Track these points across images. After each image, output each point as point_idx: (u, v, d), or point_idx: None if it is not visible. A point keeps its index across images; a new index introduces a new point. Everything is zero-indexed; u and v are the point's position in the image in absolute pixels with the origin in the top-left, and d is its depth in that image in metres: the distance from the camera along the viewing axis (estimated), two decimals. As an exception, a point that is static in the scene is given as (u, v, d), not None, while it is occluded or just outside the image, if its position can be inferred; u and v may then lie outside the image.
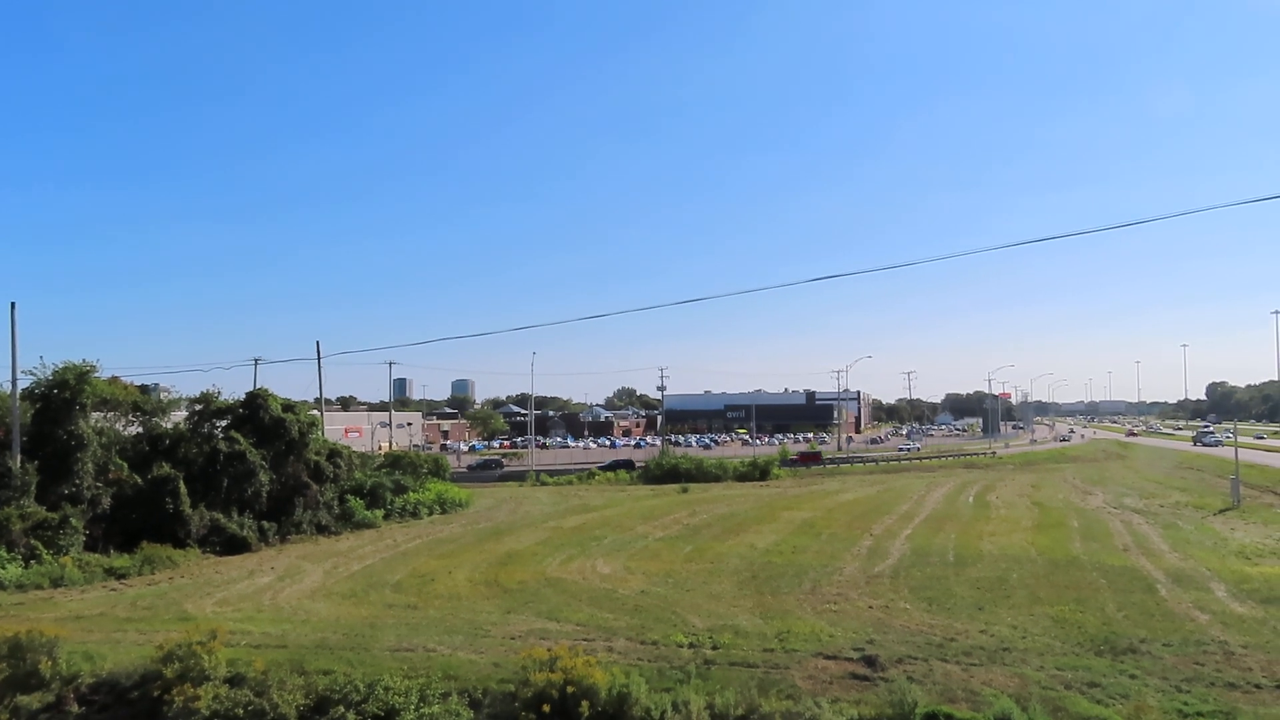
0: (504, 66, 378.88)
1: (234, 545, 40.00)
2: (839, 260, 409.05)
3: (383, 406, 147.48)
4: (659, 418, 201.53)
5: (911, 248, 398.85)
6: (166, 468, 40.25)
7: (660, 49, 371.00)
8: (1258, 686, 17.95)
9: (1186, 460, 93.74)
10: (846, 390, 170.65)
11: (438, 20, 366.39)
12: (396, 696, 17.84)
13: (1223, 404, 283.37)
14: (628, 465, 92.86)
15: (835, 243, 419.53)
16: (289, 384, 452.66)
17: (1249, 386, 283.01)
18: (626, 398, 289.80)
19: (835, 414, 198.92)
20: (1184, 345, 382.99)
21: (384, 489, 52.01)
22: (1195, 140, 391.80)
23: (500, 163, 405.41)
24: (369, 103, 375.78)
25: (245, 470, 42.38)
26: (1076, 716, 16.47)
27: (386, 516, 49.84)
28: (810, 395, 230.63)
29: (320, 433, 51.67)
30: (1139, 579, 28.88)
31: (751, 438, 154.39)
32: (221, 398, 47.13)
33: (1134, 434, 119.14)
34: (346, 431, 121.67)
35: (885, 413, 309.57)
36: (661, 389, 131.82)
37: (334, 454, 49.08)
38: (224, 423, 46.07)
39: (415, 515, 51.71)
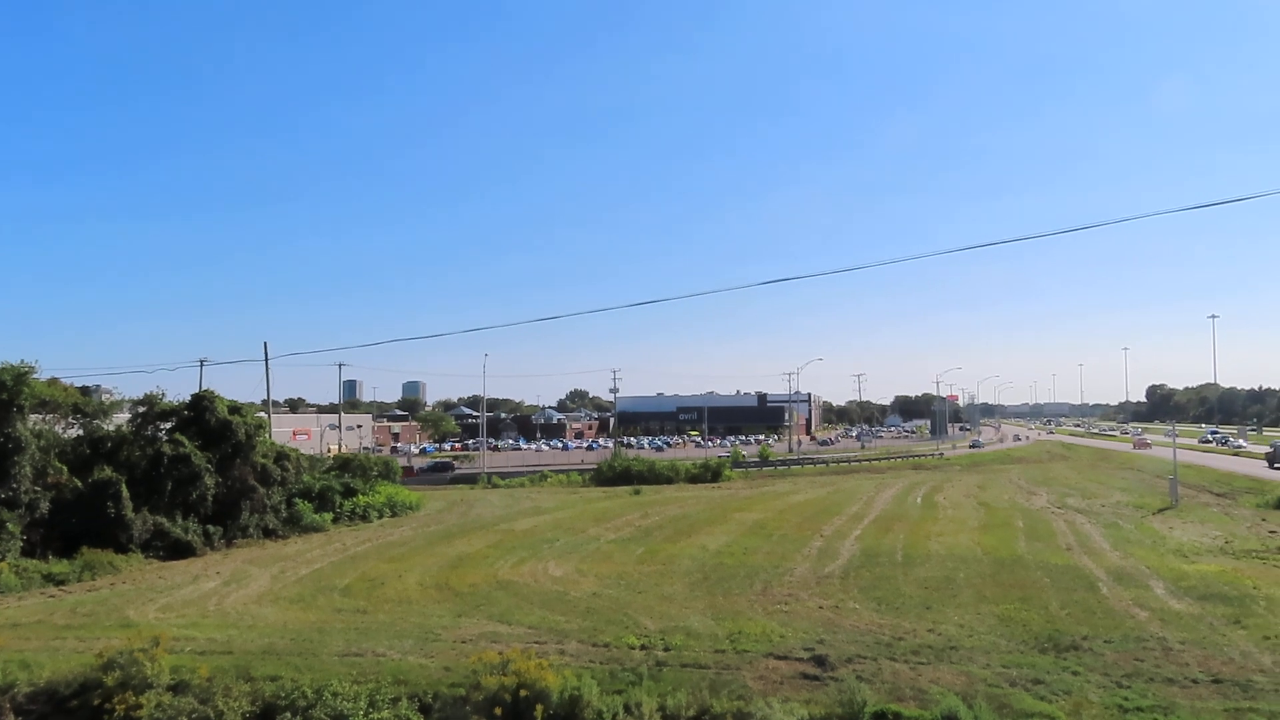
0: (455, 67, 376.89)
1: (178, 550, 39.26)
2: (791, 264, 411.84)
3: (332, 408, 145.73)
4: (611, 419, 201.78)
5: (863, 252, 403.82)
6: (108, 471, 39.35)
7: (613, 52, 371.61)
8: (1194, 681, 18.41)
9: (1127, 461, 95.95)
10: (797, 392, 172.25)
11: (387, 19, 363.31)
12: (345, 702, 17.62)
13: (1162, 406, 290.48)
14: (447, 467, 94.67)
15: (787, 247, 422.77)
16: (236, 386, 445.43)
17: (1187, 389, 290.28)
18: (579, 400, 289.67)
19: (786, 416, 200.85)
20: (1125, 348, 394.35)
21: (333, 492, 51.40)
22: (1137, 148, 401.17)
23: (451, 163, 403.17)
24: (315, 101, 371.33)
25: (190, 473, 41.60)
26: (1020, 713, 16.77)
27: (335, 520, 49.26)
28: (762, 397, 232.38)
29: (268, 435, 50.92)
30: (1081, 577, 29.49)
31: (704, 440, 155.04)
32: (166, 399, 46.24)
33: (1147, 444, 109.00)
34: (295, 434, 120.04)
35: (836, 415, 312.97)
36: (614, 391, 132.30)
37: (282, 457, 48.38)
38: (168, 425, 45.22)
39: (365, 518, 51.19)
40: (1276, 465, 68.85)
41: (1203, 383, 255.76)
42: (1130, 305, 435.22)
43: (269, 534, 44.55)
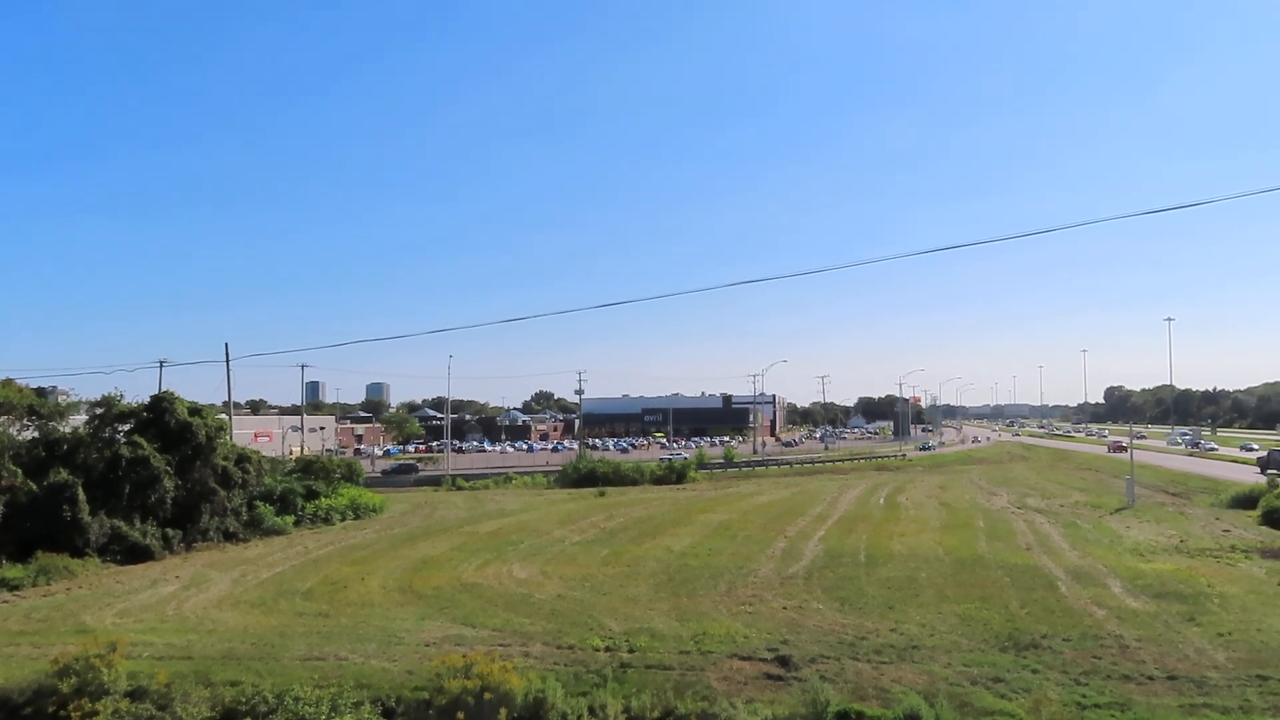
0: (419, 66, 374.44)
1: (136, 554, 38.66)
2: (757, 266, 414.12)
3: (295, 410, 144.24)
4: (577, 421, 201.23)
5: (828, 255, 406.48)
6: (64, 474, 38.65)
7: (578, 52, 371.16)
8: (1150, 678, 18.74)
9: (1085, 462, 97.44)
10: (762, 394, 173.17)
11: (348, 18, 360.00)
12: (307, 707, 17.44)
13: (1120, 407, 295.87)
14: (411, 469, 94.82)
15: (753, 249, 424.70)
16: (196, 388, 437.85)
17: (1144, 390, 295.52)
18: (544, 401, 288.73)
19: (751, 417, 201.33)
20: (1084, 350, 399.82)
21: (295, 494, 50.90)
22: (1095, 154, 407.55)
23: (416, 163, 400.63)
24: (279, 99, 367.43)
25: (149, 476, 40.97)
26: (981, 711, 16.97)
27: (298, 523, 48.79)
28: (727, 399, 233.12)
29: (229, 437, 50.32)
30: (1041, 577, 29.90)
31: (669, 441, 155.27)
32: (124, 401, 45.53)
33: (1123, 448, 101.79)
34: (256, 436, 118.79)
35: (800, 416, 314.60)
36: (579, 393, 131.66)
37: (243, 459, 47.80)
38: (127, 427, 44.50)
39: (327, 521, 50.73)
40: (1270, 471, 65.81)
41: (1159, 384, 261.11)
42: (1089, 308, 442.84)
43: (230, 537, 44.00)
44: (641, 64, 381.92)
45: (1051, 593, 27.33)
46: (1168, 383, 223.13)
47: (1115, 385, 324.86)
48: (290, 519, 48.33)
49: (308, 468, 59.34)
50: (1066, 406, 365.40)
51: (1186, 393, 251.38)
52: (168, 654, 21.70)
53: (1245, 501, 50.00)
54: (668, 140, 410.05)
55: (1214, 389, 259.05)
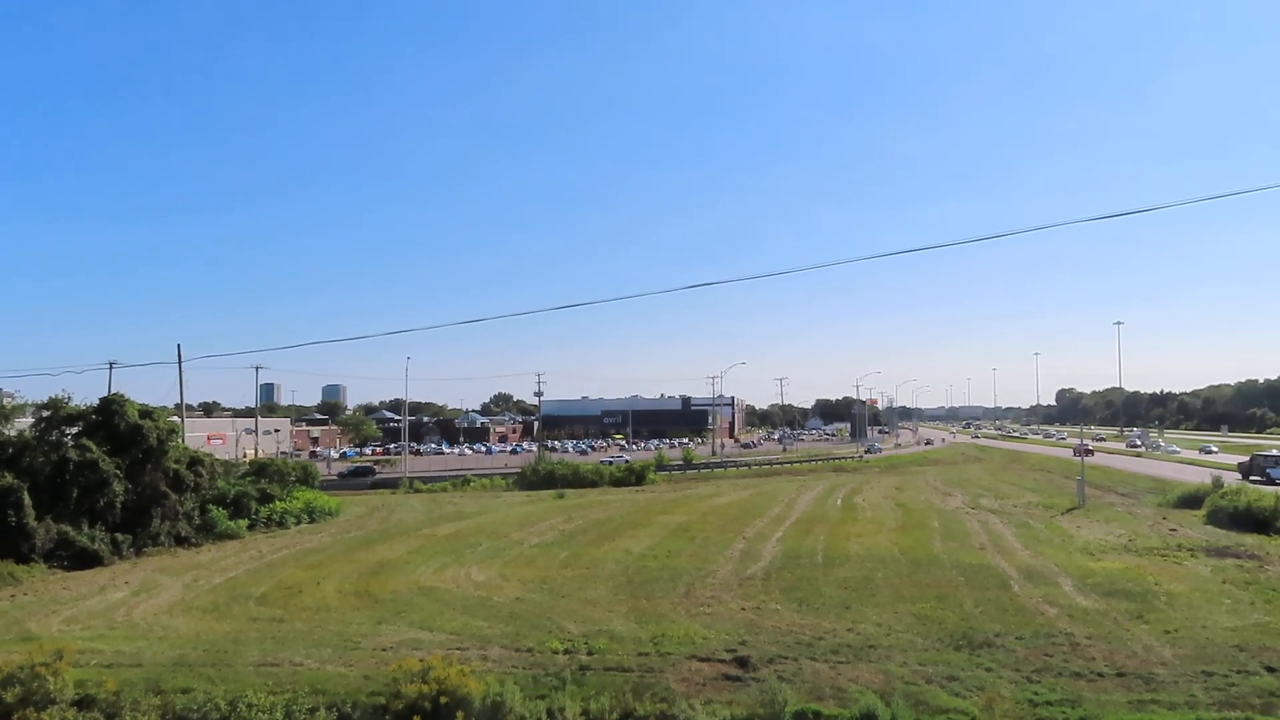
0: (388, 73, 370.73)
1: (84, 559, 37.84)
2: (717, 270, 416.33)
3: (249, 412, 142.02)
4: (536, 423, 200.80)
5: (788, 259, 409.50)
6: (8, 478, 37.75)
7: (546, 61, 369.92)
8: (1100, 675, 19.12)
9: (1037, 463, 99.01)
10: (721, 396, 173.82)
11: (323, 24, 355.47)
12: (260, 713, 17.24)
13: (1071, 409, 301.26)
14: (368, 472, 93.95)
15: (715, 253, 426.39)
16: (148, 390, 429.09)
17: (1094, 392, 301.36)
18: (503, 403, 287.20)
19: (710, 419, 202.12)
20: (1036, 353, 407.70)
21: (249, 498, 50.14)
22: (1048, 161, 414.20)
23: (378, 168, 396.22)
24: (232, 105, 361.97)
25: (97, 480, 40.13)
26: (936, 709, 17.19)
27: (251, 527, 48.08)
28: (686, 401, 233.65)
29: (181, 440, 49.43)
30: (994, 576, 30.36)
31: (628, 443, 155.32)
32: (72, 403, 44.52)
33: (1090, 452, 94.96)
34: (209, 439, 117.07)
35: (759, 418, 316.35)
36: (538, 395, 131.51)
37: (195, 462, 47.01)
38: (75, 430, 43.56)
39: (282, 525, 50.07)
40: (1254, 478, 63.95)
41: (1109, 386, 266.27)
42: (1041, 312, 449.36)
43: (181, 542, 43.23)
44: (616, 75, 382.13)
45: (1005, 592, 27.75)
46: (1117, 385, 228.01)
47: (1067, 387, 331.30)
48: (244, 523, 47.62)
49: (262, 471, 58.48)
50: (1019, 408, 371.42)
51: (1135, 395, 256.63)
52: (117, 661, 21.27)
53: (1191, 501, 51.18)
54: (632, 146, 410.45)
55: (1162, 391, 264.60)
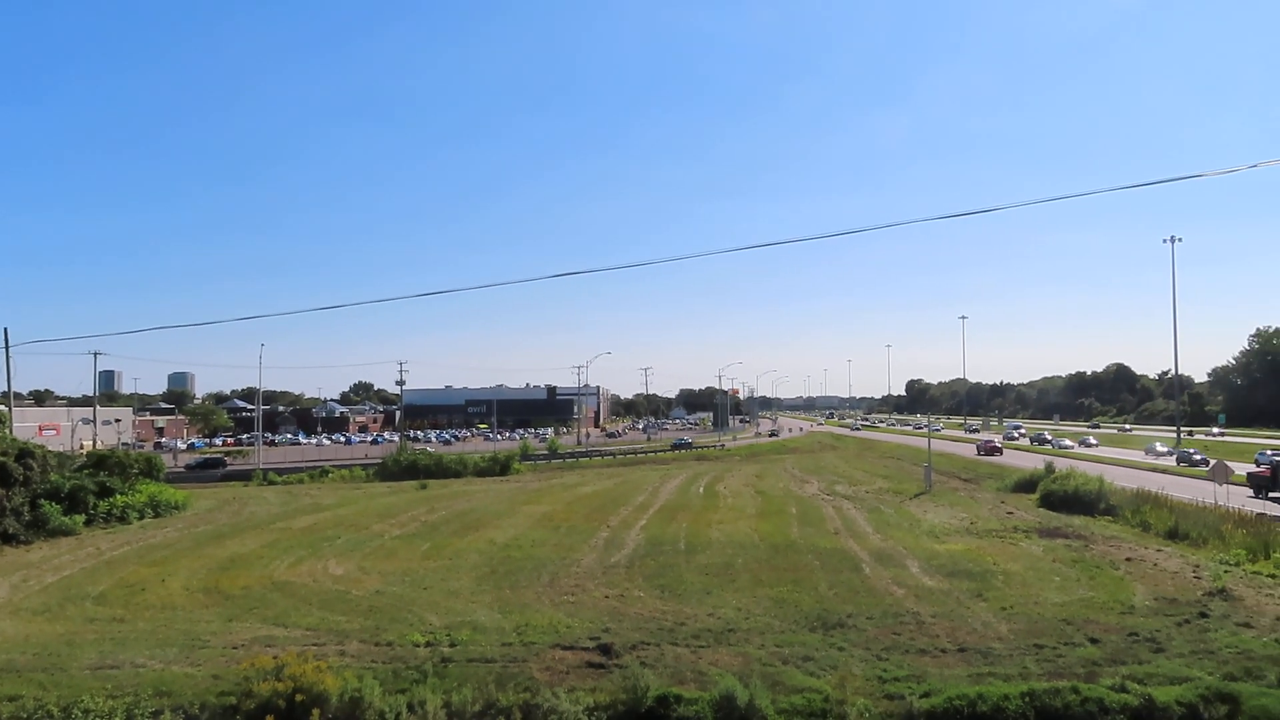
0: (228, 42, 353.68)
1: (-105, 560, 34.87)
2: (583, 259, 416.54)
3: (86, 401, 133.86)
4: (398, 413, 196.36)
5: (651, 249, 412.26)
6: None
7: (398, 38, 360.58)
8: (943, 651, 20.18)
9: (888, 450, 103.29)
10: (587, 386, 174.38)
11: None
12: (97, 719, 16.31)
13: (919, 399, 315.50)
14: (217, 464, 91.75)
15: (583, 241, 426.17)
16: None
17: (940, 384, 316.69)
18: (363, 392, 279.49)
19: (575, 409, 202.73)
20: (888, 345, 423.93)
21: (86, 492, 47.20)
22: (906, 161, 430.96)
23: (221, 141, 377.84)
24: (73, 67, 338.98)
25: (-89, 474, 37.06)
26: (792, 688, 17.77)
27: (89, 522, 45.33)
28: (551, 390, 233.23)
29: (8, 430, 46.18)
30: (847, 559, 31.58)
31: (493, 433, 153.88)
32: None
33: (998, 450, 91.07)
34: (41, 429, 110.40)
35: (624, 407, 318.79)
36: (400, 383, 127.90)
37: (24, 454, 43.87)
38: (-117, 420, 40.07)
39: (124, 520, 47.41)
40: (1264, 494, 49.81)
41: (953, 378, 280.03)
42: (893, 307, 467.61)
43: (8, 539, 40.30)
44: (468, 48, 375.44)
45: (857, 574, 28.91)
46: (961, 376, 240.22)
47: (916, 378, 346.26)
48: (80, 518, 44.85)
49: (101, 463, 55.27)
50: (872, 398, 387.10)
51: (978, 386, 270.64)
52: (-66, 669, 19.72)
53: (1026, 485, 54.65)
54: (489, 125, 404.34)
55: (1001, 383, 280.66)
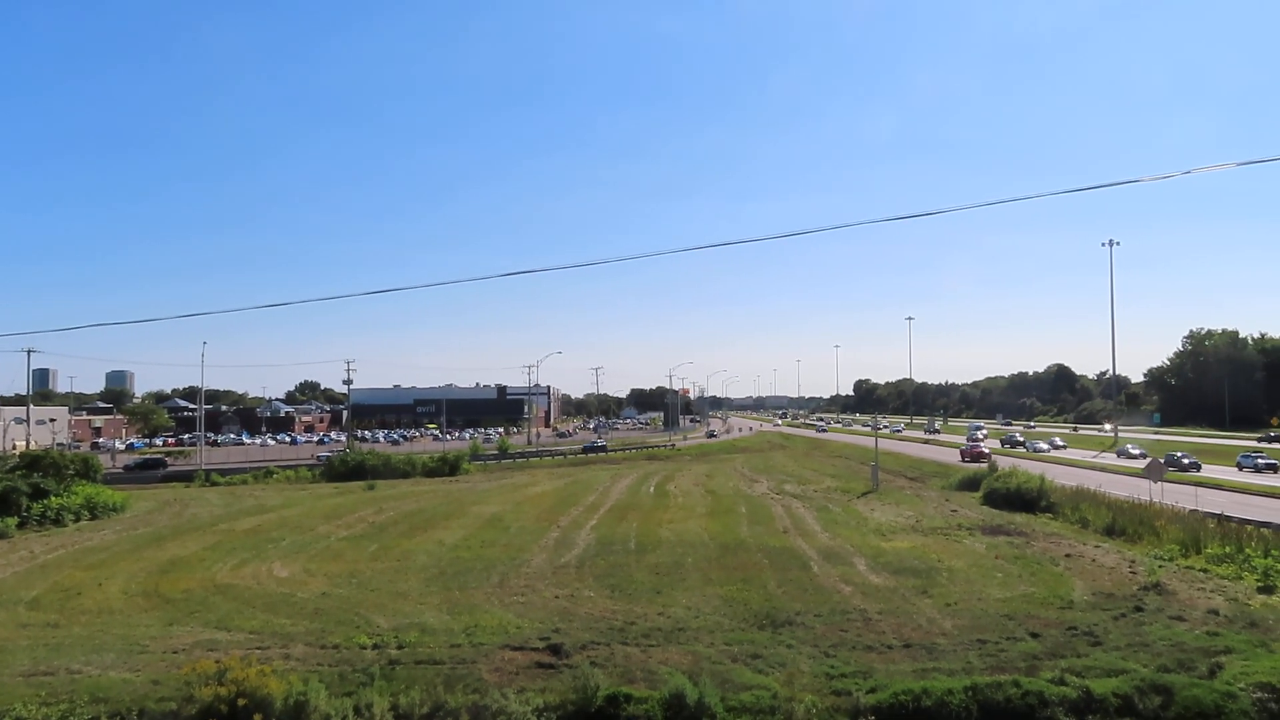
0: (193, 41, 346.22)
1: None
2: (534, 258, 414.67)
3: (19, 400, 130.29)
4: (345, 412, 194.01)
5: (602, 248, 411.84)
6: None
7: (350, 41, 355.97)
8: (889, 647, 20.48)
9: (836, 450, 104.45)
10: (537, 385, 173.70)
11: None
12: (31, 727, 15.91)
13: (867, 398, 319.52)
14: (158, 465, 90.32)
15: (535, 241, 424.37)
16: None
17: (887, 383, 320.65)
18: (309, 392, 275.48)
19: (526, 408, 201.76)
20: (836, 346, 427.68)
21: (19, 494, 45.97)
22: (850, 162, 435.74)
23: (178, 140, 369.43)
24: (55, 69, 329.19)
25: None
26: (741, 686, 17.90)
27: (21, 525, 44.16)
28: (501, 390, 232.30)
29: (-63, 431, 44.78)
30: (796, 558, 31.88)
31: (442, 433, 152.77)
32: None
33: (985, 454, 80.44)
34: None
35: (575, 407, 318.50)
36: (348, 383, 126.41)
37: (-46, 455, 42.70)
38: None
39: (58, 522, 46.24)
40: None
41: (900, 378, 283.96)
42: (841, 308, 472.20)
43: (-62, 543, 39.16)
44: (409, 52, 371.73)
45: (805, 572, 29.20)
46: (908, 376, 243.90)
47: (863, 378, 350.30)
48: (13, 521, 43.67)
49: (34, 464, 53.94)
50: (820, 398, 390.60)
51: (923, 386, 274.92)
52: None
53: (970, 484, 55.60)
54: (438, 130, 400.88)
55: (946, 382, 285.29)
